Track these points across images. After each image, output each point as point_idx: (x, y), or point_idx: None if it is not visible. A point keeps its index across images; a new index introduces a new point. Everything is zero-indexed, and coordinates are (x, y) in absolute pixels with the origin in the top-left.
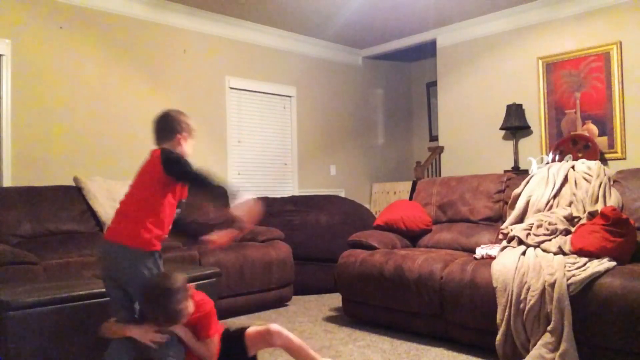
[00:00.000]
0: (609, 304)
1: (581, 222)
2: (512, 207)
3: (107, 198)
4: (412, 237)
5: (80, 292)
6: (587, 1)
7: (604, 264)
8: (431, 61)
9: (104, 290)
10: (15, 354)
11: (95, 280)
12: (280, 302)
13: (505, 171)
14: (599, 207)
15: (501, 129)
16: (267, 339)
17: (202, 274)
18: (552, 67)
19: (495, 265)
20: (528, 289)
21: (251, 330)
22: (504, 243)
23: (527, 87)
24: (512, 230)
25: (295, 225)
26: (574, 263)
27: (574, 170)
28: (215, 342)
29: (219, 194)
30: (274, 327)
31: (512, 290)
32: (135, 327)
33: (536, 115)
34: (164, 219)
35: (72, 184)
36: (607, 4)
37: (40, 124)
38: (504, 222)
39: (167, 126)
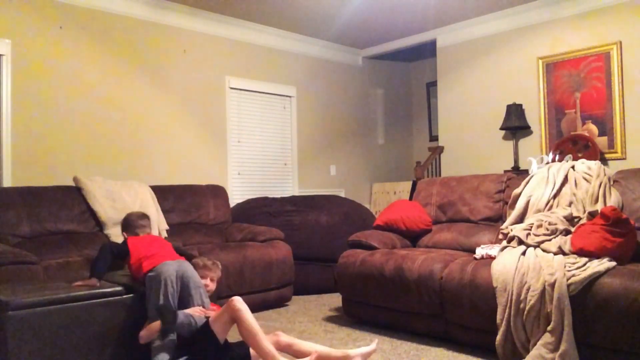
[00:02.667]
0: (609, 304)
1: (581, 222)
2: (512, 207)
3: (106, 198)
4: (412, 237)
5: (80, 292)
6: (587, 1)
7: (604, 264)
8: (431, 61)
9: (103, 290)
10: (15, 354)
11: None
12: (280, 302)
13: (505, 171)
14: (599, 207)
15: (501, 129)
16: (229, 306)
17: None
18: (552, 67)
19: (495, 265)
20: (528, 289)
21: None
22: (504, 243)
23: (527, 87)
24: (512, 230)
25: (295, 225)
26: (574, 263)
27: (574, 170)
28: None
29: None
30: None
31: (512, 290)
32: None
33: (536, 115)
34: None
35: (72, 184)
36: (607, 4)
37: (40, 124)
38: (504, 222)
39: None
